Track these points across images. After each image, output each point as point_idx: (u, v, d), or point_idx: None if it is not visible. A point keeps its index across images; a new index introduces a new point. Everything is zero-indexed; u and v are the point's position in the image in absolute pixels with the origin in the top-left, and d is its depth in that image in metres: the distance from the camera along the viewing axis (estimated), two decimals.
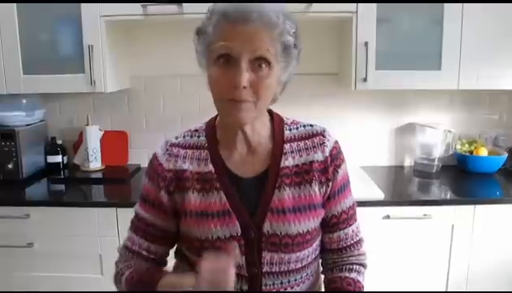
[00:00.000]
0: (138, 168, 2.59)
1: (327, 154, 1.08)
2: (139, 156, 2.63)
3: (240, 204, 1.05)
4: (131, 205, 2.01)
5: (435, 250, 2.13)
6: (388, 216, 2.06)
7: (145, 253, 1.12)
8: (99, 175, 2.52)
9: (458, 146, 2.57)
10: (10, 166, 2.38)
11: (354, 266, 1.15)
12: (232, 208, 1.04)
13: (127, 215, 2.02)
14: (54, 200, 2.25)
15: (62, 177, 2.56)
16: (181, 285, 0.92)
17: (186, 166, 1.07)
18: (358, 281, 1.13)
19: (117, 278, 1.13)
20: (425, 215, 2.06)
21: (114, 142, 2.61)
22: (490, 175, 2.48)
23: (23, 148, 2.39)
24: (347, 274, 1.13)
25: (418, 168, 2.59)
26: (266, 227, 1.04)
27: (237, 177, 1.07)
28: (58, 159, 2.59)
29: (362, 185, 2.21)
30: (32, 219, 2.12)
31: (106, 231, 2.11)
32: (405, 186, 2.45)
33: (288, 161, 1.07)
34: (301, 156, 1.08)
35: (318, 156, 1.07)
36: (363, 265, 1.17)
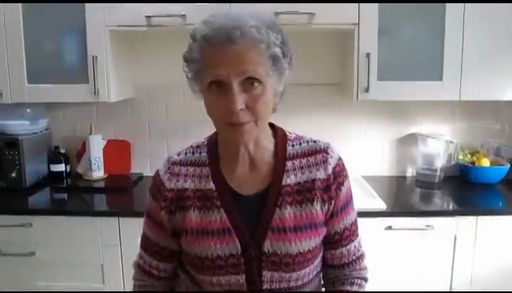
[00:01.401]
0: (141, 177, 2.60)
1: (329, 172, 1.06)
2: (142, 165, 2.65)
3: (240, 222, 1.04)
4: (133, 215, 2.06)
5: (437, 261, 2.12)
6: (390, 227, 2.06)
7: (155, 272, 1.14)
8: (102, 184, 2.53)
9: (460, 157, 2.57)
10: (13, 174, 2.39)
11: (356, 280, 1.15)
12: (232, 226, 1.03)
13: (129, 224, 2.06)
14: (57, 209, 2.25)
15: (65, 185, 2.57)
16: None
17: (187, 184, 1.07)
18: None
19: None
20: (427, 226, 2.06)
21: (117, 150, 2.62)
22: (492, 185, 2.47)
23: (26, 157, 2.41)
24: (348, 288, 1.13)
25: (420, 179, 2.59)
26: (267, 246, 1.02)
27: (238, 194, 1.06)
28: (61, 167, 2.60)
29: (363, 196, 2.21)
30: (34, 228, 2.13)
31: (108, 240, 2.11)
32: (408, 197, 2.45)
33: (290, 179, 1.05)
34: (303, 174, 1.06)
35: (321, 174, 1.06)
36: (365, 279, 1.17)
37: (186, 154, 1.11)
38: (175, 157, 1.11)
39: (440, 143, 2.52)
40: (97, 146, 2.54)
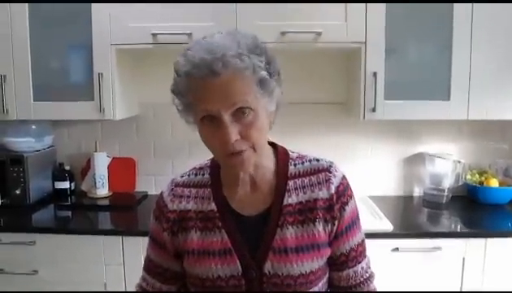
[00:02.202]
0: (145, 196, 2.58)
1: (332, 191, 1.04)
2: (147, 183, 2.64)
3: (241, 243, 1.03)
4: (137, 234, 2.04)
5: (445, 283, 2.07)
6: (397, 249, 2.03)
7: None
8: (106, 202, 2.51)
9: (469, 177, 2.54)
10: (17, 191, 2.38)
11: None
12: (233, 247, 1.02)
13: (133, 243, 2.04)
14: (61, 227, 2.24)
15: (69, 203, 2.55)
16: None
17: (190, 206, 1.07)
18: None
19: None
20: (435, 247, 2.03)
21: (122, 168, 2.61)
22: (501, 206, 2.44)
23: (31, 174, 2.40)
24: None
25: (427, 199, 2.56)
26: (268, 267, 1.01)
27: (239, 215, 1.05)
28: (66, 185, 2.59)
29: (370, 216, 2.18)
30: (37, 246, 2.11)
31: (112, 259, 2.09)
32: (415, 217, 2.41)
33: (292, 198, 1.04)
34: (305, 193, 1.04)
35: (323, 193, 1.04)
36: None
37: (189, 175, 1.12)
38: (179, 179, 1.12)
39: (447, 163, 2.49)
40: (101, 164, 2.54)
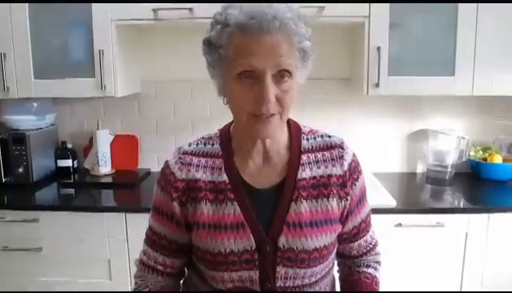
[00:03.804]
0: (148, 173, 2.58)
1: (345, 168, 1.05)
2: (149, 161, 2.63)
3: (254, 217, 1.01)
4: (140, 210, 2.05)
5: (448, 259, 2.08)
6: (400, 224, 2.03)
7: (160, 268, 1.11)
8: (109, 179, 2.52)
9: (472, 153, 2.53)
10: (20, 170, 2.38)
11: (372, 263, 1.17)
12: (246, 221, 1.00)
13: (136, 220, 2.05)
14: (64, 205, 2.24)
15: (72, 181, 2.56)
16: None
17: (199, 175, 1.04)
18: (375, 276, 1.15)
19: None
20: (438, 223, 2.03)
21: (125, 146, 2.60)
22: (504, 182, 2.43)
23: (33, 152, 2.40)
24: (364, 269, 1.15)
25: (430, 175, 2.55)
26: (282, 241, 1.00)
27: (252, 188, 1.03)
28: (69, 163, 2.59)
29: (373, 193, 2.17)
30: (41, 223, 2.12)
31: (115, 236, 2.10)
32: (418, 194, 2.41)
33: (306, 173, 1.03)
34: (318, 168, 1.04)
35: (337, 170, 1.04)
36: (379, 263, 1.19)
37: (198, 144, 1.09)
38: (186, 147, 1.09)
39: (451, 139, 2.48)
40: (104, 142, 2.53)
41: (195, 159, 1.06)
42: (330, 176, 1.04)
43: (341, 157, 1.06)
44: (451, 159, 2.48)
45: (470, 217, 2.05)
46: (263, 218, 1.02)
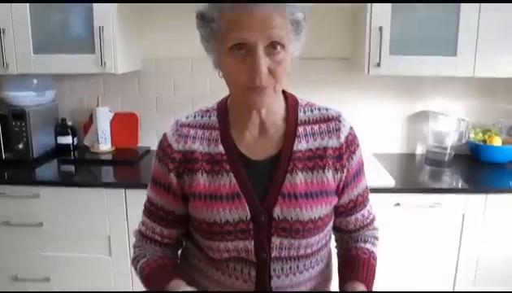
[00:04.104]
0: (148, 151, 2.59)
1: (342, 140, 1.05)
2: (149, 139, 2.63)
3: (250, 187, 1.02)
4: (140, 186, 2.05)
5: (445, 239, 2.10)
6: (398, 204, 2.04)
7: (158, 238, 1.12)
8: (109, 157, 2.52)
9: (472, 135, 2.53)
10: (20, 146, 2.38)
11: (369, 238, 1.17)
12: (241, 191, 1.02)
13: (136, 196, 2.06)
14: (64, 180, 2.26)
15: (72, 158, 2.57)
16: None
17: (196, 147, 1.05)
18: (373, 251, 1.15)
19: (134, 263, 1.15)
20: (436, 203, 2.04)
21: (125, 123, 2.61)
22: (504, 165, 2.44)
23: (33, 128, 2.40)
24: (362, 245, 1.15)
25: (430, 157, 2.55)
26: (277, 212, 1.01)
27: (248, 159, 1.04)
28: (69, 140, 2.60)
29: (373, 172, 2.18)
30: (41, 199, 2.13)
31: (115, 212, 2.12)
32: (417, 174, 2.42)
33: (302, 144, 1.04)
34: (315, 140, 1.05)
35: (334, 142, 1.05)
36: (376, 238, 1.19)
37: (195, 117, 1.10)
38: (184, 119, 1.09)
39: (451, 121, 2.47)
40: (104, 119, 2.53)
41: (192, 131, 1.06)
42: (326, 148, 1.04)
43: (338, 129, 1.06)
44: (451, 141, 2.48)
45: (467, 198, 2.06)
46: (259, 189, 1.03)
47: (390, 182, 2.06)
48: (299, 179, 1.02)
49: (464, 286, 2.15)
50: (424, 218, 2.08)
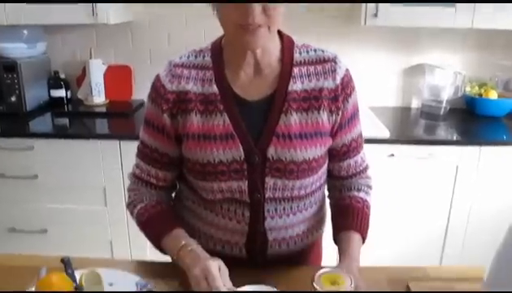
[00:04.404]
0: (142, 104, 2.56)
1: (338, 82, 1.04)
2: (143, 91, 2.54)
3: (244, 128, 1.02)
4: (134, 138, 1.98)
5: (438, 190, 2.13)
6: (392, 155, 2.05)
7: (153, 181, 1.12)
8: (103, 109, 2.51)
9: (468, 89, 2.52)
10: (13, 98, 2.35)
11: (362, 187, 1.16)
12: (235, 131, 1.01)
13: (130, 147, 2.01)
14: (58, 133, 2.25)
15: (66, 111, 2.55)
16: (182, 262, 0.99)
17: (189, 87, 1.03)
18: (366, 200, 1.15)
19: (129, 208, 1.15)
20: (429, 154, 2.05)
21: (118, 76, 2.57)
22: (499, 119, 2.44)
23: (25, 81, 2.36)
24: (356, 193, 1.15)
25: (425, 110, 2.55)
26: (271, 152, 1.01)
27: (242, 99, 1.03)
28: (62, 93, 2.56)
29: (368, 124, 2.18)
30: (36, 151, 2.13)
31: (110, 163, 2.12)
32: (412, 127, 2.42)
33: (297, 85, 1.03)
34: (310, 81, 1.04)
35: (329, 83, 1.04)
36: (370, 187, 1.18)
37: (188, 57, 1.08)
38: (177, 60, 1.08)
39: (447, 74, 2.45)
40: (97, 71, 2.50)
41: (185, 71, 1.05)
42: (321, 89, 1.03)
43: (334, 71, 1.05)
44: (446, 95, 2.47)
45: (461, 150, 2.07)
46: (253, 129, 1.02)
47: (385, 133, 2.06)
48: (294, 120, 1.02)
49: (455, 236, 2.19)
50: (418, 169, 2.09)
